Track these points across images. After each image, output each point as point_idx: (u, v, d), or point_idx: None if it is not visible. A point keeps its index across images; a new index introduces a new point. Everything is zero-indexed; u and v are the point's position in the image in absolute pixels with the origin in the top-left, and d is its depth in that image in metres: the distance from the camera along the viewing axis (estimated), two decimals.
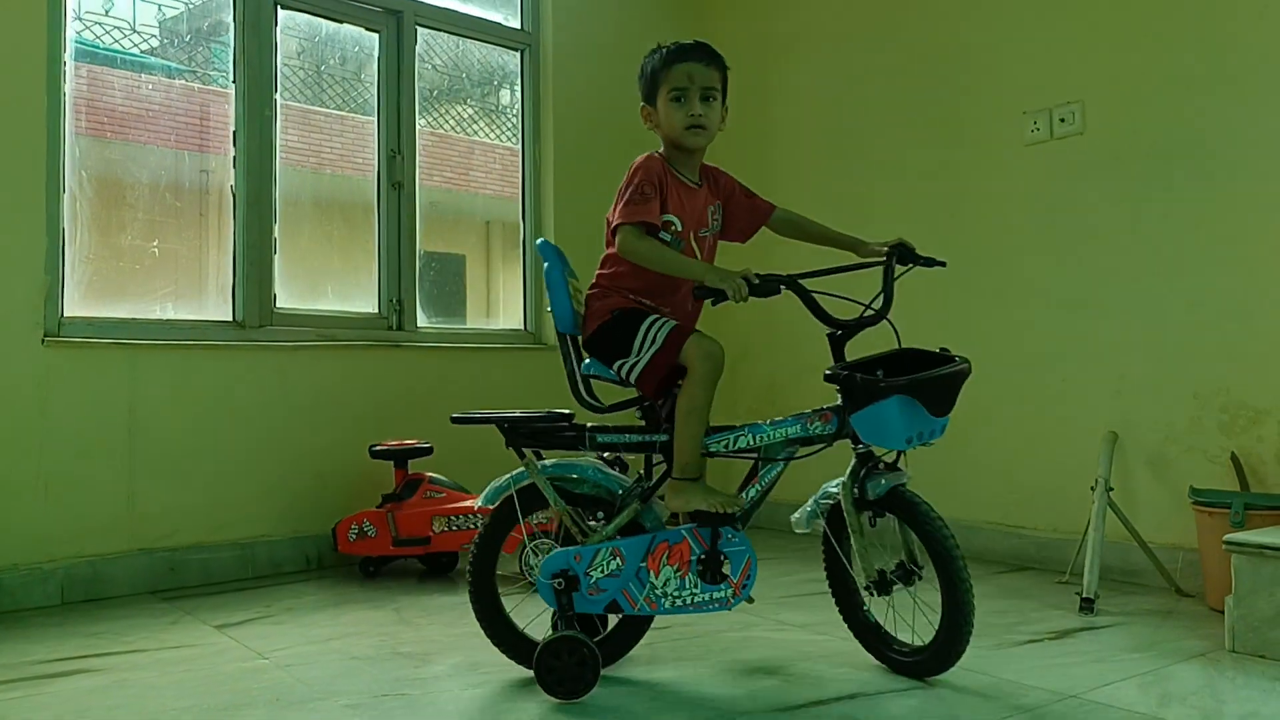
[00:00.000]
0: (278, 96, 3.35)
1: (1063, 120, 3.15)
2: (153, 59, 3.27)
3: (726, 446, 2.01)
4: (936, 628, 1.99)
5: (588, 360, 2.12)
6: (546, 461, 2.09)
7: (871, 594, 2.04)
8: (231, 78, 3.28)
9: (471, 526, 3.04)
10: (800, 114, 3.99)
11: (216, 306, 3.24)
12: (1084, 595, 2.59)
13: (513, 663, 2.12)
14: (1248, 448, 2.74)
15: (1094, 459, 2.95)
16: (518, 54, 4.03)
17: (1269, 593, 2.19)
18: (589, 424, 2.09)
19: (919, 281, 3.55)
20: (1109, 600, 2.71)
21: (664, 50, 2.12)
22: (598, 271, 2.14)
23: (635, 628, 2.13)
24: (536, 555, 2.93)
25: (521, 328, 3.98)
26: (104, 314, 2.99)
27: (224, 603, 2.77)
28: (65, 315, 2.90)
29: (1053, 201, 3.18)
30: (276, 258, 3.32)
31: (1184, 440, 2.88)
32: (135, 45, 3.21)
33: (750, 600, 2.00)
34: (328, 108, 3.63)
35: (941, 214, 3.50)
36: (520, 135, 4.04)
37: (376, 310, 3.58)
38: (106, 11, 3.13)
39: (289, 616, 2.61)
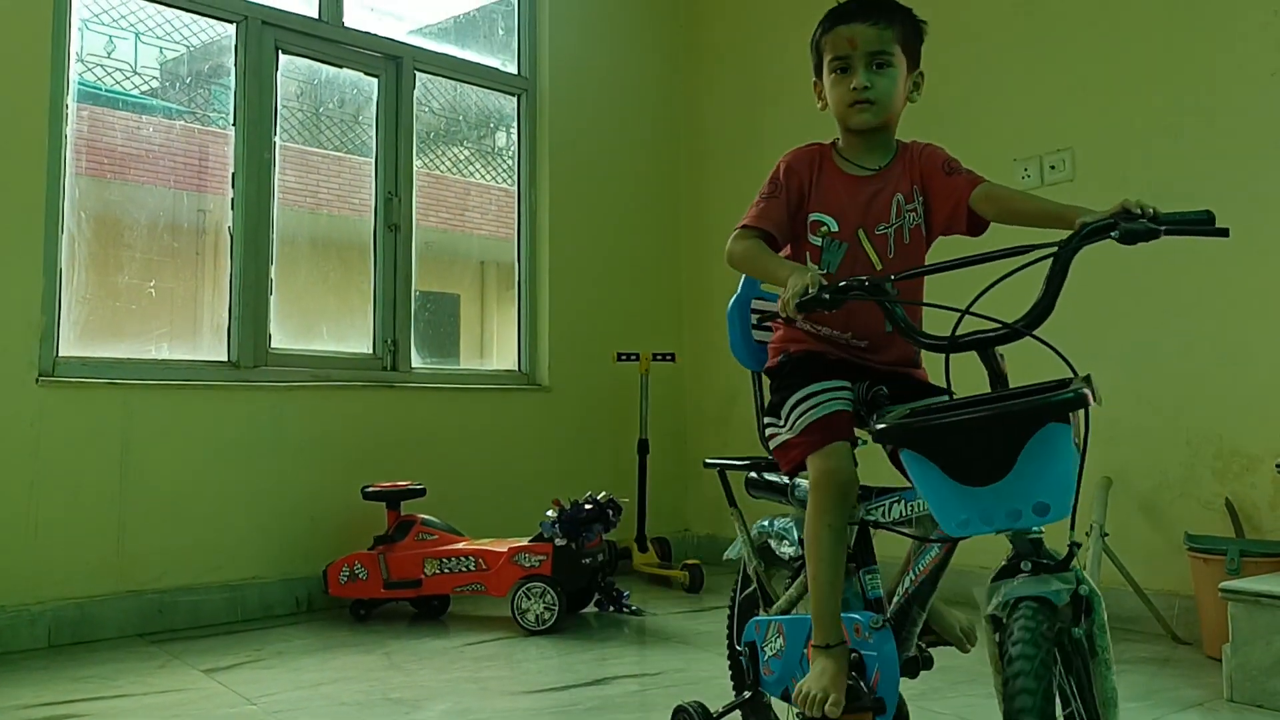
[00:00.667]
0: (277, 139, 3.38)
1: (1053, 167, 3.19)
2: (153, 100, 3.31)
3: (883, 515, 1.56)
4: None
5: None
6: (766, 519, 1.82)
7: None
8: (231, 120, 3.31)
9: (464, 569, 3.02)
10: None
11: (211, 346, 3.24)
12: None
13: (505, 709, 2.09)
14: (1242, 494, 2.74)
15: (1088, 504, 2.95)
16: (515, 98, 4.07)
17: (1266, 641, 2.17)
18: (798, 478, 1.69)
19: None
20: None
21: (823, 20, 1.70)
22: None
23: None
24: (529, 599, 2.93)
25: (515, 368, 3.99)
26: (99, 354, 2.99)
27: (213, 646, 2.74)
28: (60, 355, 2.90)
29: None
30: (272, 298, 3.33)
31: (1178, 486, 2.88)
32: (136, 87, 3.24)
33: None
34: (325, 149, 3.67)
35: (932, 260, 3.52)
36: (516, 177, 4.08)
37: (371, 350, 3.58)
38: (109, 54, 3.17)
39: (278, 661, 2.58)
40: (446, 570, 3.04)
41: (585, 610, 3.18)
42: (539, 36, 4.06)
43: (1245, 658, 2.20)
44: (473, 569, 3.02)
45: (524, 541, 3.02)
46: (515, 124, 4.08)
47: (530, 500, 3.47)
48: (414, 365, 3.65)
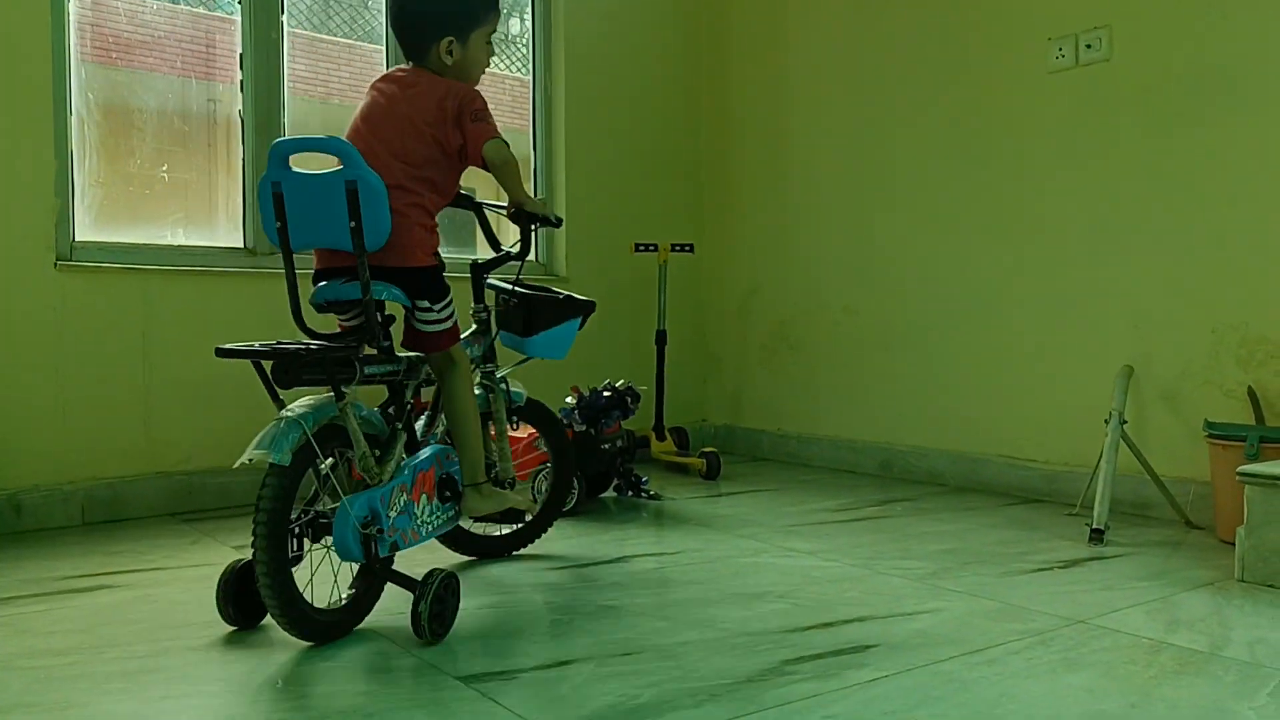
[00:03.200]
0: (284, 19, 3.29)
1: (1089, 47, 3.07)
2: None
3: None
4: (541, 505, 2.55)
5: (384, 288, 1.92)
6: (311, 399, 1.88)
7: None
8: (238, 3, 3.22)
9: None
10: (815, 44, 3.90)
11: (227, 234, 3.23)
12: (1094, 526, 2.60)
13: (529, 583, 2.14)
14: (1265, 382, 2.72)
15: (1107, 393, 2.94)
16: None
17: None
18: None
19: (935, 214, 3.53)
20: (1119, 531, 2.73)
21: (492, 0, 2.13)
22: (404, 191, 1.94)
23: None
24: (549, 482, 2.97)
25: (534, 260, 3.96)
26: (115, 239, 2.98)
27: (243, 525, 2.80)
28: (77, 240, 2.89)
29: (1076, 133, 3.12)
30: None
31: (1200, 375, 2.86)
32: None
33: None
34: (335, 36, 3.57)
35: (959, 146, 3.44)
36: (531, 66, 3.97)
37: None
38: None
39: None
40: None
41: (605, 495, 3.24)
42: None
43: (1259, 539, 2.22)
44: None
45: None
46: (530, 9, 3.95)
47: (549, 388, 3.50)
48: None
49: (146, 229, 3.08)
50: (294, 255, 1.91)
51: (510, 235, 2.29)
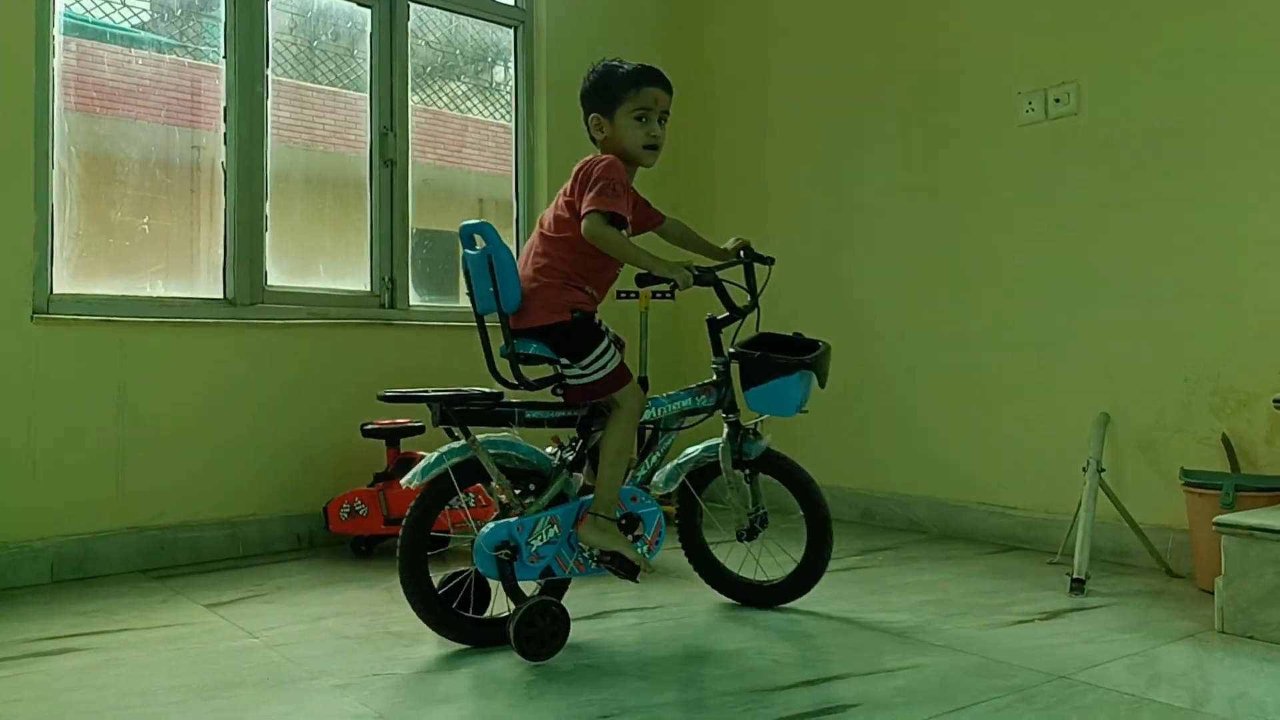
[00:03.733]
0: (269, 72, 3.31)
1: (1057, 101, 3.13)
2: (143, 33, 3.23)
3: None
4: (797, 563, 2.47)
5: (530, 343, 2.20)
6: (480, 438, 2.17)
7: (741, 540, 2.44)
8: (223, 53, 3.25)
9: (464, 505, 3.03)
10: (792, 94, 3.96)
11: (207, 284, 3.22)
12: (1074, 576, 2.60)
13: (503, 643, 2.12)
14: (1238, 430, 2.74)
15: (1084, 440, 2.95)
16: (511, 30, 3.99)
17: (1258, 574, 2.19)
18: (515, 401, 2.23)
19: (911, 262, 3.56)
20: (1099, 581, 2.72)
21: (628, 70, 2.29)
22: (547, 256, 2.21)
23: (557, 591, 2.22)
24: None
25: None
26: (93, 291, 2.97)
27: (214, 582, 2.77)
28: (54, 292, 2.88)
29: (1046, 183, 3.17)
30: (268, 235, 3.30)
31: (1175, 423, 2.88)
32: (126, 19, 3.17)
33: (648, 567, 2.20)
34: (320, 84, 3.60)
35: (934, 195, 3.49)
36: (514, 112, 4.01)
37: (368, 288, 3.56)
38: None
39: (279, 595, 2.61)
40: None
41: None
42: None
43: (1237, 590, 2.22)
44: (472, 505, 3.03)
45: None
46: (513, 57, 4.00)
47: (528, 437, 3.48)
48: (412, 303, 3.63)
49: (126, 280, 3.07)
50: (483, 318, 2.27)
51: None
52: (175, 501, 3.00)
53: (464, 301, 3.94)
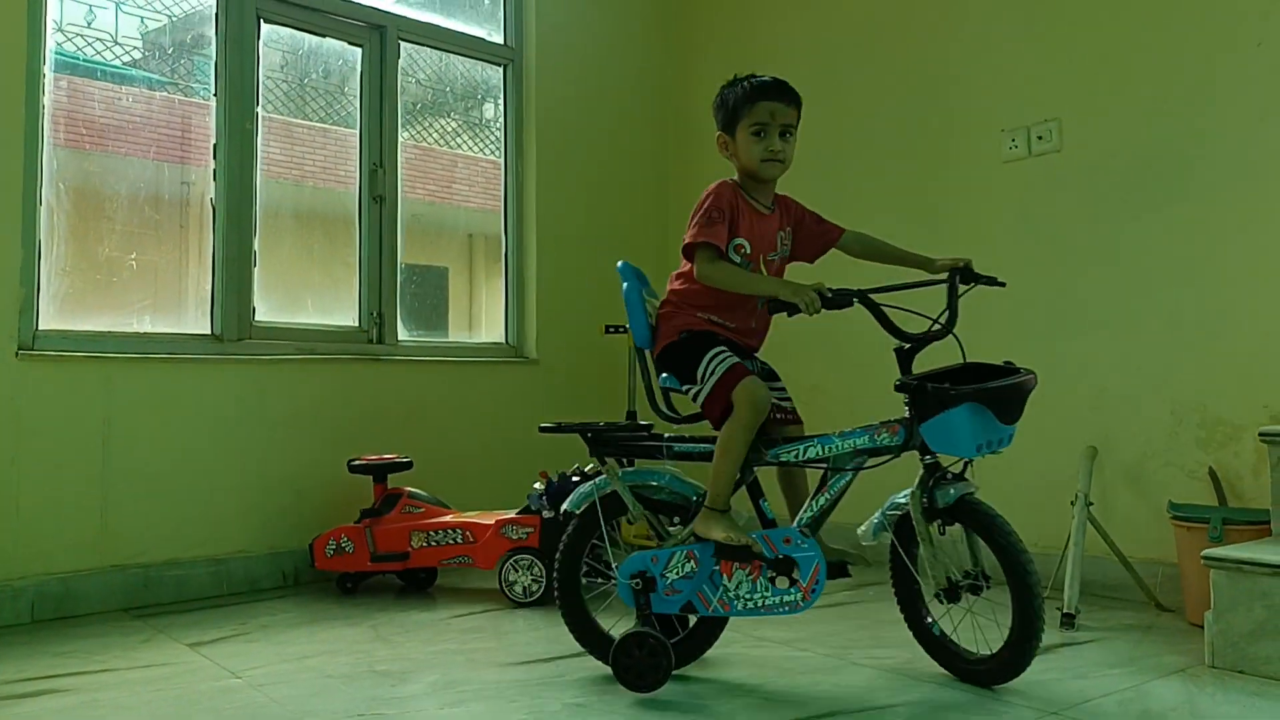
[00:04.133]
0: (259, 109, 3.33)
1: (1040, 138, 3.17)
2: (134, 71, 3.26)
3: (796, 456, 2.11)
4: (1006, 637, 2.04)
5: (665, 375, 2.22)
6: (628, 469, 2.20)
7: (941, 602, 2.06)
8: (213, 90, 3.27)
9: (451, 542, 3.02)
10: None
11: (195, 320, 3.21)
12: (1064, 610, 2.59)
13: (493, 681, 2.09)
14: (1225, 463, 2.75)
15: (1073, 474, 2.96)
16: (501, 69, 4.03)
17: (1248, 608, 2.19)
18: (667, 435, 2.22)
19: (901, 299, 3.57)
20: (1090, 615, 2.71)
21: (746, 85, 2.22)
22: (669, 288, 2.26)
23: (711, 629, 2.21)
24: (516, 571, 2.93)
25: (503, 341, 3.97)
26: (80, 327, 2.96)
27: (198, 620, 2.73)
28: (40, 329, 2.87)
29: (1030, 218, 3.20)
30: (256, 270, 3.30)
31: (1162, 455, 2.89)
32: (117, 57, 3.19)
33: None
34: (310, 120, 3.62)
35: (920, 230, 3.51)
36: (503, 149, 4.04)
37: (357, 324, 3.56)
38: (89, 23, 3.11)
39: (264, 634, 2.58)
40: (433, 543, 3.03)
41: None
42: (525, 5, 4.01)
43: (1227, 624, 2.21)
44: (460, 541, 3.02)
45: (511, 514, 3.02)
46: (502, 94, 4.04)
47: (517, 473, 3.48)
48: (400, 338, 3.63)
49: (113, 316, 3.06)
50: (643, 351, 2.28)
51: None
52: (159, 539, 2.97)
53: (454, 337, 3.95)
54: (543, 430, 2.29)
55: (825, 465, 2.10)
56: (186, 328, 3.19)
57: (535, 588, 2.90)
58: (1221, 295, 2.79)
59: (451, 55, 3.92)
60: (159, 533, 2.97)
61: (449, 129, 4.02)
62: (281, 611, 2.84)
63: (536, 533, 2.94)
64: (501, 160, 4.04)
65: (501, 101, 4.05)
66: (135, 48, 3.25)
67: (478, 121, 4.11)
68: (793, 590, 2.03)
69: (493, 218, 4.06)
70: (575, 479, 3.01)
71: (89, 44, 3.11)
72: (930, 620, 2.20)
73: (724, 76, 2.37)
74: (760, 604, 2.05)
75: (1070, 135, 3.11)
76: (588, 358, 4.02)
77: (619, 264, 2.34)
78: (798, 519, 2.11)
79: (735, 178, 2.26)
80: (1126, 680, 2.13)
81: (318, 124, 3.63)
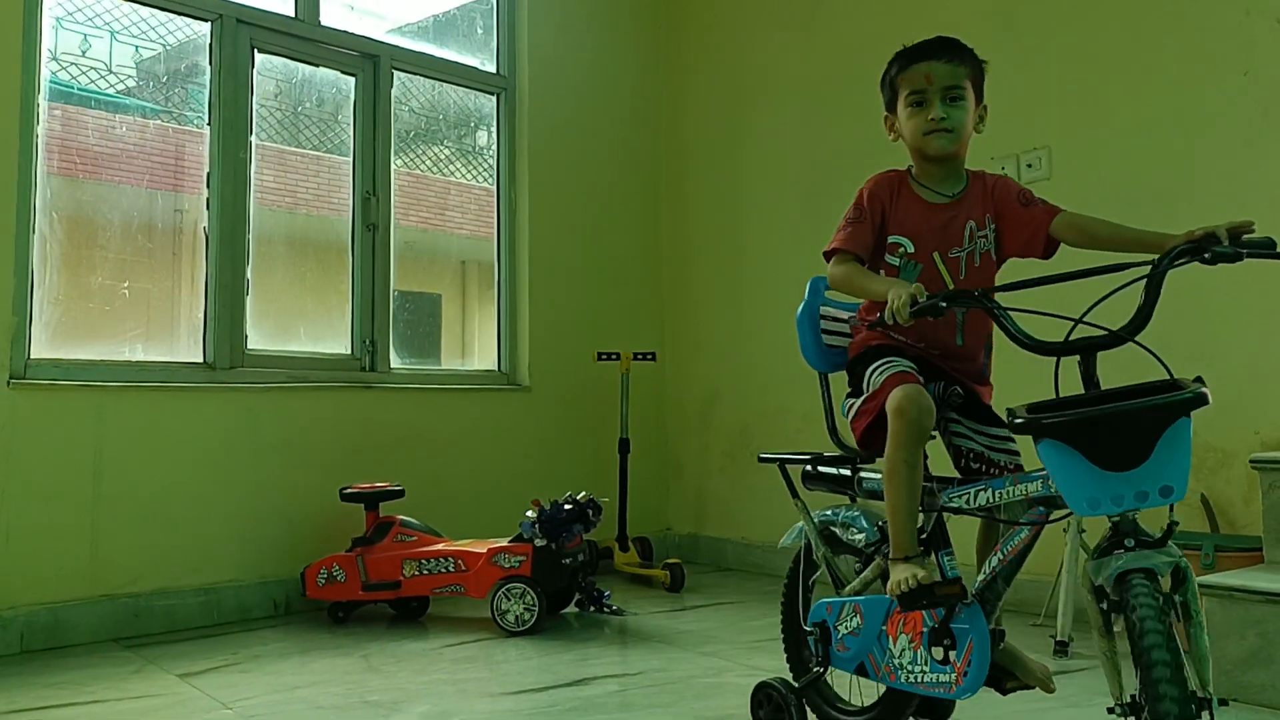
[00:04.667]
0: (253, 138, 3.35)
1: (1030, 166, 3.20)
2: (128, 99, 3.27)
3: (967, 502, 1.68)
4: None
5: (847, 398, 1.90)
6: (828, 509, 1.97)
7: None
8: (207, 119, 3.28)
9: (443, 571, 3.01)
10: (770, 160, 4.04)
11: (187, 348, 3.21)
12: (1058, 638, 2.59)
13: (485, 711, 2.08)
14: (1216, 490, 2.76)
15: None
16: (494, 97, 4.06)
17: (1240, 635, 2.19)
18: (863, 470, 1.89)
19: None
20: (1084, 643, 2.71)
21: (898, 56, 1.86)
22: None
23: (934, 712, 1.87)
24: (509, 600, 2.92)
25: (495, 368, 3.97)
26: (72, 356, 2.95)
27: (188, 650, 2.71)
28: (32, 357, 2.86)
29: None
30: (249, 298, 3.30)
31: None
32: (111, 86, 3.21)
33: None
34: (304, 148, 3.64)
35: None
36: (496, 176, 4.06)
37: (349, 351, 3.56)
38: (83, 52, 3.13)
39: (255, 664, 2.56)
40: (425, 571, 3.02)
41: (566, 611, 3.17)
42: (518, 35, 4.05)
43: (1220, 652, 2.21)
44: (452, 570, 3.00)
45: (503, 542, 3.01)
46: (495, 122, 4.07)
47: (510, 501, 3.47)
48: (393, 366, 3.63)
49: (105, 345, 3.06)
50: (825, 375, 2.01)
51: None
52: (150, 568, 2.95)
53: (446, 364, 3.95)
54: (763, 460, 2.06)
55: (995, 516, 1.68)
56: (179, 355, 3.18)
57: (528, 616, 2.89)
58: (1211, 322, 2.81)
59: (445, 84, 3.95)
60: (150, 561, 2.95)
61: (442, 156, 4.05)
62: (273, 641, 2.82)
63: (529, 561, 2.93)
64: (494, 187, 4.06)
65: (494, 129, 4.07)
66: (129, 76, 3.27)
67: (471, 149, 4.14)
68: (948, 669, 1.63)
69: (485, 245, 4.07)
70: (568, 507, 3.01)
71: (83, 73, 3.12)
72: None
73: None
74: (919, 679, 1.67)
75: (1060, 163, 3.14)
76: (581, 385, 4.03)
77: (812, 280, 2.06)
78: (984, 572, 1.67)
79: (910, 164, 1.92)
80: None
81: (311, 152, 3.65)
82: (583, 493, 3.11)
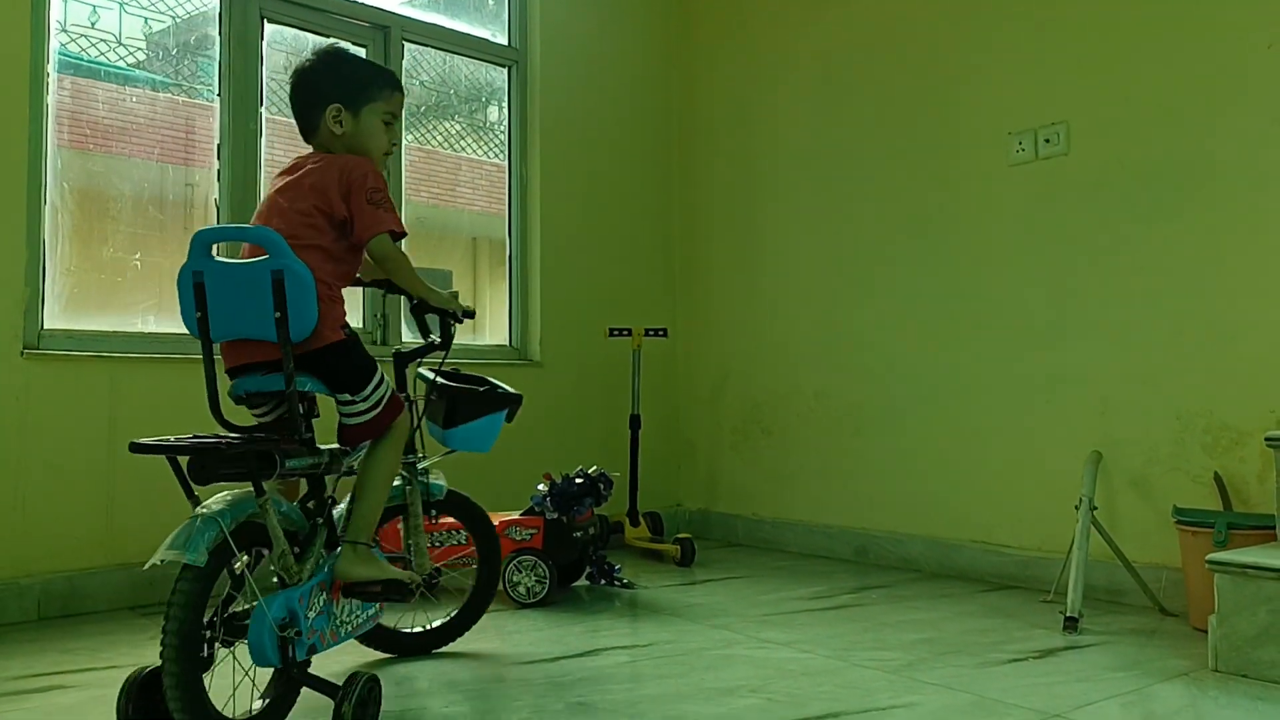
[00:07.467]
0: (263, 110, 3.34)
1: (1048, 141, 3.17)
2: (138, 72, 3.26)
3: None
4: (461, 606, 2.42)
5: (303, 378, 1.87)
6: (229, 495, 1.81)
7: (425, 595, 2.19)
8: (217, 91, 3.27)
9: (455, 543, 3.02)
10: (784, 136, 4.01)
11: None
12: (1068, 614, 2.59)
13: (496, 681, 2.09)
14: (1230, 468, 2.75)
15: (1078, 479, 2.96)
16: (505, 70, 4.04)
17: (1252, 612, 2.19)
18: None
19: (904, 302, 3.58)
20: (1093, 619, 2.71)
21: (377, 69, 2.17)
22: (317, 268, 1.86)
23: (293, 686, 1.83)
24: (520, 572, 2.93)
25: (507, 343, 3.97)
26: (85, 327, 2.96)
27: None
28: (45, 328, 2.87)
29: (1037, 222, 3.20)
30: None
31: (1167, 461, 2.89)
32: (121, 58, 3.19)
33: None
34: None
35: (925, 235, 3.52)
36: (508, 152, 4.04)
37: (361, 325, 3.56)
38: (93, 24, 3.12)
39: None
40: (437, 544, 3.03)
41: (576, 584, 3.19)
42: (529, 6, 4.02)
43: (1231, 628, 2.21)
44: (464, 542, 3.01)
45: (515, 515, 3.02)
46: (506, 97, 4.04)
47: (521, 474, 3.48)
48: (404, 339, 3.63)
49: (117, 316, 3.07)
50: (212, 346, 1.87)
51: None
52: (165, 537, 2.95)
53: (458, 339, 3.94)
54: (135, 449, 1.77)
55: (316, 472, 2.00)
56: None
57: (539, 589, 2.90)
58: (1228, 300, 2.79)
59: (456, 57, 3.92)
60: (165, 531, 2.94)
61: (453, 132, 4.03)
62: None
63: (540, 534, 2.94)
64: (506, 163, 4.04)
65: (506, 104, 4.05)
66: (139, 48, 3.26)
67: (482, 124, 4.12)
68: (372, 604, 2.06)
69: (497, 221, 4.06)
70: (579, 481, 3.02)
71: (93, 45, 3.11)
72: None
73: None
74: (357, 625, 2.01)
75: (1078, 139, 3.11)
76: (592, 360, 4.02)
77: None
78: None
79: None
80: (1130, 684, 2.13)
81: None
82: (594, 467, 3.11)
